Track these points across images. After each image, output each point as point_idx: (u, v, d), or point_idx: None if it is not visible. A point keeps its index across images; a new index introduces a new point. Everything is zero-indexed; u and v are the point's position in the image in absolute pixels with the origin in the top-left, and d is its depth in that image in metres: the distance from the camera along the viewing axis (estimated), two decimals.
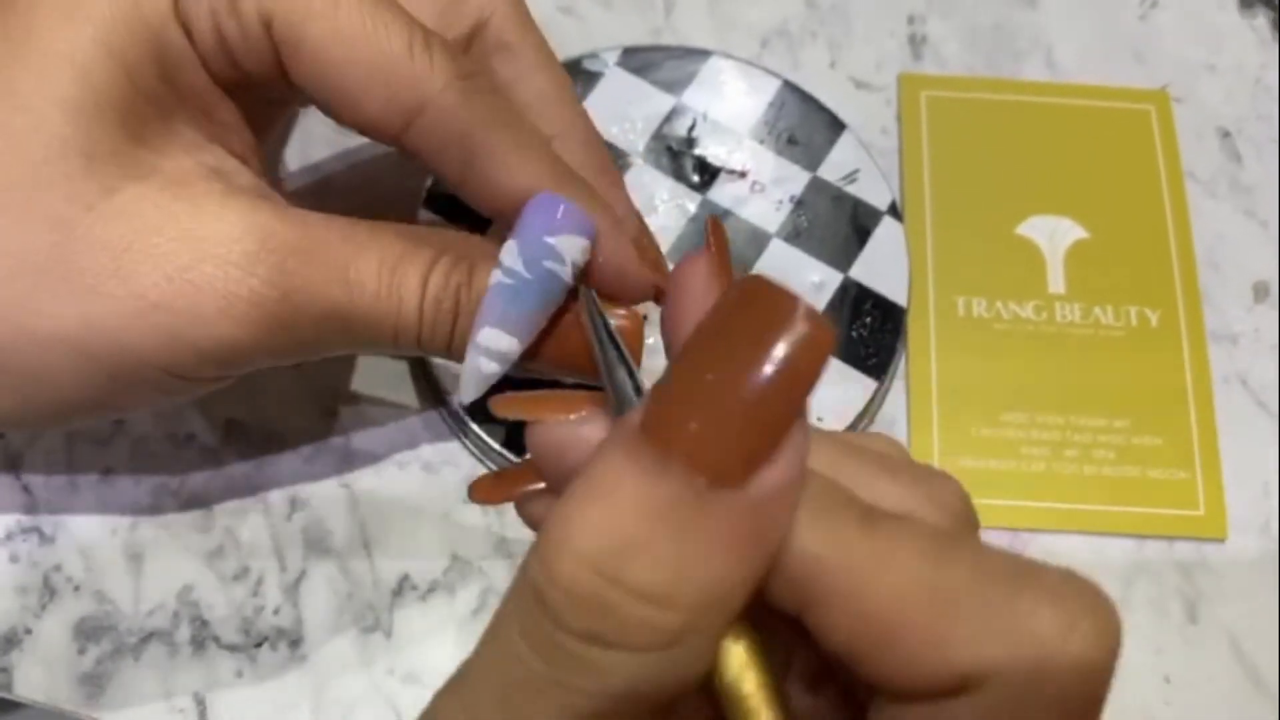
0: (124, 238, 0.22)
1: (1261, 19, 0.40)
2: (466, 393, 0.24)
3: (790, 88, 0.36)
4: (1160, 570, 0.32)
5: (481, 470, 0.32)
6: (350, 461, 0.32)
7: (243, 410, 0.32)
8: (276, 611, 0.30)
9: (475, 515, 0.32)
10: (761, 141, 0.36)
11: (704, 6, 0.39)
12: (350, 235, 0.24)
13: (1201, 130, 0.38)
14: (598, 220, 0.24)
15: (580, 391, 0.20)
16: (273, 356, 0.24)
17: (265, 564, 0.31)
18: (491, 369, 0.24)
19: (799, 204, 0.35)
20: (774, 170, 0.35)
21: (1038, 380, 0.34)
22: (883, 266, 0.34)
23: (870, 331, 0.33)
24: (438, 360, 0.31)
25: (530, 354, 0.24)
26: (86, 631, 0.30)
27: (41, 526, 0.31)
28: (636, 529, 0.15)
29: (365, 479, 0.32)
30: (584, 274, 0.24)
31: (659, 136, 0.36)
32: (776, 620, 0.16)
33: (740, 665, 0.16)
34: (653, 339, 0.29)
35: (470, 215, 0.26)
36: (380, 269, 0.24)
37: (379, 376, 0.33)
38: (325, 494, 0.32)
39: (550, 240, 0.23)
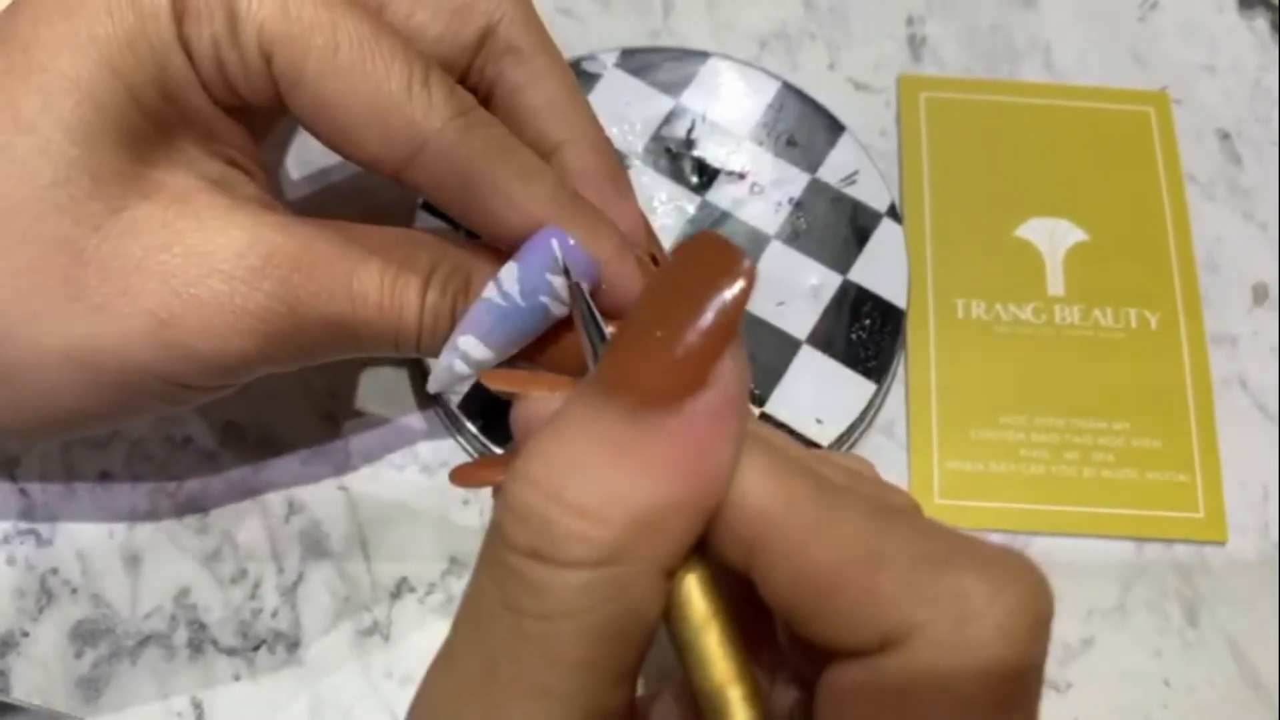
0: (132, 256, 0.23)
1: (1261, 20, 0.40)
2: (434, 384, 0.25)
3: (789, 89, 0.36)
4: (1160, 573, 0.32)
5: None
6: (348, 464, 0.32)
7: (240, 413, 0.32)
8: (274, 614, 0.30)
9: (473, 517, 0.32)
10: (760, 143, 0.36)
11: (702, 8, 0.39)
12: (352, 246, 0.24)
13: (1201, 132, 0.38)
14: (602, 250, 0.24)
15: (568, 377, 0.21)
16: (277, 365, 0.25)
17: (263, 566, 0.31)
18: (463, 371, 0.25)
19: (798, 206, 0.35)
20: (773, 172, 0.35)
21: (1037, 382, 0.34)
22: (882, 268, 0.34)
23: (869, 333, 0.33)
24: (434, 362, 0.30)
25: (524, 358, 0.25)
26: (84, 634, 0.30)
27: (39, 529, 0.31)
28: (578, 452, 0.17)
29: (363, 481, 0.32)
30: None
31: (658, 138, 0.35)
32: (747, 611, 0.18)
33: (688, 600, 0.17)
34: None
35: None
36: (382, 279, 0.24)
37: (376, 379, 0.33)
38: (323, 496, 0.32)
39: (551, 278, 0.23)
